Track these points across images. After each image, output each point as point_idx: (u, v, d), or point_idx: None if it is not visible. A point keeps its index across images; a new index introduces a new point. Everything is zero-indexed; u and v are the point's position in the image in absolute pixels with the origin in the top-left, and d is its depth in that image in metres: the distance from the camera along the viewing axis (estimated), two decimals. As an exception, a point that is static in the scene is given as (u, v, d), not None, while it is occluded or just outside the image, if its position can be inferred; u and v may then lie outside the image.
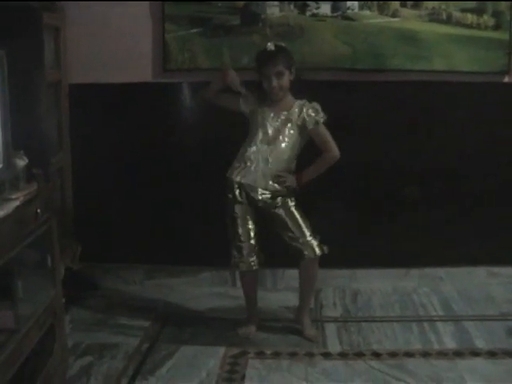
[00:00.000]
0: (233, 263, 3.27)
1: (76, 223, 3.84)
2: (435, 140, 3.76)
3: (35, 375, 2.45)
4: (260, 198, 3.18)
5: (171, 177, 3.82)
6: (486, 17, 3.60)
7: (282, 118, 3.13)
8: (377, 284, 3.87)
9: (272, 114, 3.14)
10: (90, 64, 3.66)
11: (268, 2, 3.60)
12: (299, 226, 3.17)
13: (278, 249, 3.20)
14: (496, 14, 3.60)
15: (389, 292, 3.82)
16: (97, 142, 3.79)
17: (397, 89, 3.69)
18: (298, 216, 3.18)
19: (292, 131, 3.13)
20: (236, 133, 3.26)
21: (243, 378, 2.90)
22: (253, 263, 3.24)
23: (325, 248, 3.19)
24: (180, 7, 3.62)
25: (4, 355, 2.13)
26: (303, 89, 3.14)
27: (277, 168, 3.15)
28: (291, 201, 3.19)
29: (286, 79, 3.09)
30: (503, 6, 3.59)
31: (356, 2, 3.59)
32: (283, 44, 3.16)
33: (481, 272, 3.89)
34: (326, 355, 3.10)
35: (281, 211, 3.18)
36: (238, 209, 3.21)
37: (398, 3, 3.60)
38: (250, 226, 3.22)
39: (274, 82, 3.06)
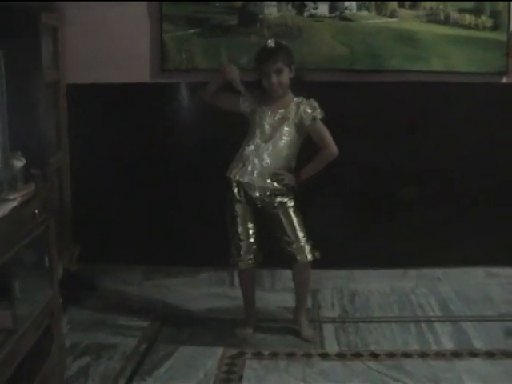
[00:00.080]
0: (232, 261, 3.27)
1: (74, 224, 3.83)
2: (433, 140, 3.77)
3: (33, 376, 2.44)
4: (258, 196, 3.18)
5: (169, 177, 3.82)
6: (483, 17, 3.61)
7: (280, 115, 3.13)
8: (375, 284, 3.88)
9: (269, 112, 3.15)
10: (88, 64, 3.66)
11: (266, 3, 3.61)
12: (294, 230, 3.16)
13: (276, 249, 3.20)
14: (494, 15, 3.60)
15: (387, 292, 3.83)
16: (95, 142, 3.79)
17: (395, 89, 3.69)
18: (294, 219, 3.17)
19: (289, 129, 3.13)
20: (234, 133, 3.26)
21: (241, 378, 2.89)
22: (251, 262, 3.25)
23: (317, 254, 3.19)
24: (178, 7, 3.62)
25: (1, 355, 2.13)
26: (301, 89, 3.15)
27: (275, 166, 3.15)
28: (290, 202, 3.18)
29: (286, 76, 3.09)
30: (501, 6, 3.60)
31: (354, 3, 3.60)
32: (283, 42, 3.16)
33: (479, 272, 3.90)
34: (324, 356, 3.10)
35: (279, 212, 3.17)
36: (237, 208, 3.21)
37: (395, 4, 3.61)
38: (249, 225, 3.22)
39: (274, 79, 3.06)
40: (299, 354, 3.11)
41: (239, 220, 3.21)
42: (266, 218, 3.23)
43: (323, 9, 3.62)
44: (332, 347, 3.18)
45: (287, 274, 3.37)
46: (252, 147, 3.16)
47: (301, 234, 3.16)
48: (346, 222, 3.81)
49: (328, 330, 3.37)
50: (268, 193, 3.17)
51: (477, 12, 3.61)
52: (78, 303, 3.65)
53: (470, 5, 3.61)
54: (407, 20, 3.62)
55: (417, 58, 3.65)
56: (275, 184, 3.16)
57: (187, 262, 3.90)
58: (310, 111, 3.11)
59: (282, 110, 3.14)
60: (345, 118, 3.56)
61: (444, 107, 3.73)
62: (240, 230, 3.22)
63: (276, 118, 3.14)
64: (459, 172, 3.78)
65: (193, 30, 3.64)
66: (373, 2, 3.60)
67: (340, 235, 3.77)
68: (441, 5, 3.60)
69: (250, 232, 3.22)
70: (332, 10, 3.62)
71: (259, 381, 2.88)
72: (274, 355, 3.11)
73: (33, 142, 2.60)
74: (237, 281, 3.50)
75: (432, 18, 3.62)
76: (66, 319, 3.39)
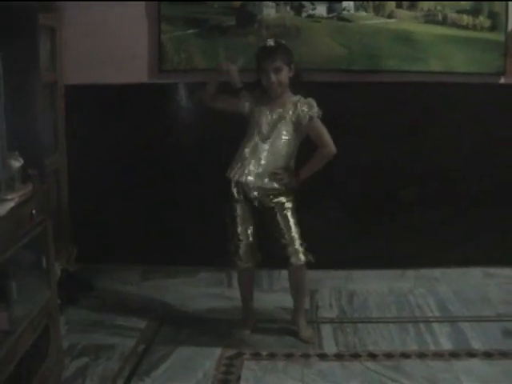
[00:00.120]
0: (231, 261, 3.27)
1: (72, 224, 3.84)
2: (431, 141, 3.77)
3: (30, 377, 2.44)
4: (256, 196, 3.17)
5: (167, 177, 3.82)
6: (481, 18, 3.61)
7: (277, 114, 3.13)
8: (373, 285, 3.87)
9: (267, 111, 3.15)
10: (86, 65, 3.66)
11: (264, 4, 3.60)
12: (290, 232, 3.15)
13: (274, 249, 3.20)
14: (492, 16, 3.61)
15: (385, 293, 3.83)
16: (93, 142, 3.79)
17: (393, 90, 3.69)
18: (291, 221, 3.16)
19: (287, 128, 3.13)
20: (232, 133, 3.26)
21: (239, 379, 2.89)
22: (250, 262, 3.25)
23: (310, 256, 3.18)
24: (176, 8, 3.62)
25: (-1, 357, 2.13)
26: (300, 88, 3.15)
27: (273, 166, 3.15)
28: (288, 203, 3.17)
29: (285, 75, 3.09)
30: (498, 7, 3.60)
31: (352, 4, 3.60)
32: (283, 41, 3.16)
33: (477, 273, 3.90)
34: (322, 356, 3.10)
35: (276, 213, 3.17)
36: (236, 208, 3.20)
37: (393, 4, 3.61)
38: (249, 225, 3.21)
39: (273, 78, 3.07)
40: (297, 355, 3.11)
41: (238, 220, 3.21)
42: (265, 218, 3.23)
43: (321, 9, 3.62)
44: (330, 348, 3.18)
45: (285, 274, 3.37)
46: (250, 147, 3.16)
47: (296, 237, 3.15)
48: (345, 222, 3.81)
49: (326, 330, 3.37)
50: (266, 193, 3.16)
51: (475, 13, 3.61)
52: (75, 304, 3.65)
53: (467, 5, 3.61)
54: (405, 21, 3.63)
55: (415, 58, 3.65)
56: (274, 184, 3.16)
57: (185, 262, 3.90)
58: (307, 110, 3.11)
59: (280, 109, 3.14)
60: (343, 119, 3.56)
61: (442, 108, 3.74)
62: (239, 230, 3.21)
63: (274, 117, 3.14)
64: (457, 172, 3.78)
65: (191, 31, 3.64)
66: (371, 3, 3.60)
67: (338, 236, 3.77)
68: (439, 5, 3.61)
69: (250, 232, 3.22)
70: (330, 10, 3.62)
71: (257, 381, 2.88)
72: (272, 356, 3.10)
73: (30, 143, 2.58)
74: (235, 281, 3.50)
75: (430, 19, 3.62)
76: (64, 320, 3.38)
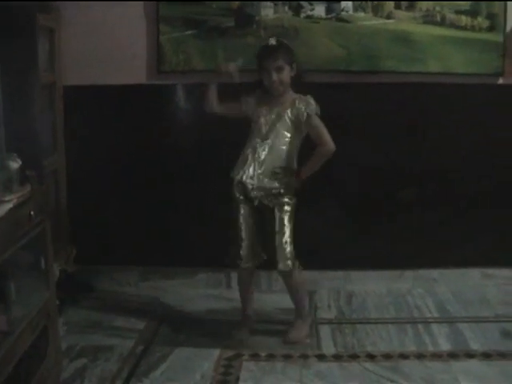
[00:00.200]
0: (231, 261, 3.26)
1: (71, 225, 3.83)
2: (430, 141, 3.77)
3: (29, 378, 2.44)
4: (256, 196, 3.17)
5: (166, 178, 3.82)
6: (480, 19, 3.61)
7: (276, 114, 3.13)
8: (371, 286, 3.87)
9: (267, 111, 3.15)
10: (85, 66, 3.66)
11: (262, 4, 3.60)
12: (282, 237, 3.14)
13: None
14: (490, 16, 3.61)
15: (383, 294, 3.82)
16: (91, 143, 3.79)
17: (391, 91, 3.69)
18: (286, 227, 3.15)
19: (286, 127, 3.13)
20: (231, 134, 3.27)
21: (237, 380, 2.89)
22: (250, 262, 3.24)
23: (298, 264, 3.18)
24: (174, 9, 3.62)
25: (-3, 358, 2.13)
26: (302, 88, 3.15)
27: (273, 165, 3.14)
28: (287, 206, 3.16)
29: (287, 74, 3.09)
30: (497, 8, 3.60)
31: (350, 4, 3.60)
32: (285, 40, 3.17)
33: (475, 273, 3.90)
34: (321, 357, 3.10)
35: (274, 215, 3.16)
36: (239, 207, 3.20)
37: (392, 5, 3.61)
38: (250, 225, 3.21)
39: (274, 77, 3.07)
40: (296, 356, 3.11)
41: (241, 220, 3.20)
42: (264, 219, 3.22)
43: (320, 10, 3.62)
44: (329, 348, 3.18)
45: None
46: (251, 147, 3.16)
47: (287, 242, 3.14)
48: (343, 223, 3.81)
49: (325, 331, 3.37)
50: (266, 193, 3.16)
51: (473, 13, 3.61)
52: (74, 304, 3.65)
53: (466, 6, 3.61)
54: (404, 21, 3.63)
55: (413, 59, 3.65)
56: (274, 184, 3.14)
57: (184, 263, 3.90)
58: (304, 107, 3.10)
59: (279, 109, 3.13)
60: (342, 119, 3.56)
61: (441, 108, 3.74)
62: (241, 229, 3.21)
63: (273, 116, 3.14)
64: (456, 173, 3.79)
65: (189, 32, 3.64)
66: (369, 4, 3.60)
67: (337, 236, 3.77)
68: (437, 6, 3.61)
69: (251, 232, 3.21)
70: (328, 11, 3.62)
71: (256, 382, 2.87)
72: (270, 357, 3.10)
73: (28, 144, 2.58)
74: (234, 282, 3.50)
75: (428, 20, 3.62)
76: (63, 321, 3.39)
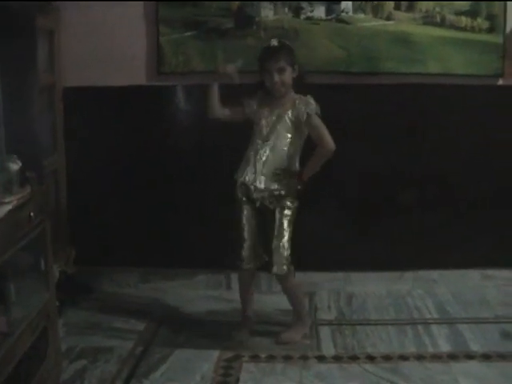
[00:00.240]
0: (233, 262, 3.25)
1: (70, 226, 3.83)
2: (430, 143, 3.77)
3: (28, 379, 2.44)
4: (257, 197, 3.16)
5: (166, 179, 3.82)
6: (479, 20, 3.61)
7: (276, 115, 3.13)
8: (371, 287, 3.87)
9: (268, 113, 3.15)
10: (84, 67, 3.67)
11: (262, 6, 3.60)
12: (280, 241, 3.13)
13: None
14: (490, 17, 3.61)
15: (383, 295, 3.82)
16: (91, 144, 3.79)
17: (391, 92, 3.69)
18: (285, 231, 3.14)
19: (287, 128, 3.12)
20: (231, 135, 3.27)
21: (237, 381, 2.89)
22: (251, 263, 3.23)
23: (292, 268, 3.17)
24: (174, 10, 3.62)
25: (-4, 359, 2.13)
26: (303, 91, 3.15)
27: (275, 166, 3.13)
28: (288, 210, 3.15)
29: (288, 75, 3.09)
30: (497, 9, 3.60)
31: (350, 6, 3.60)
32: (287, 41, 3.17)
33: (475, 275, 3.90)
34: (321, 358, 3.10)
35: (275, 217, 3.15)
36: (241, 209, 3.20)
37: (392, 6, 3.61)
38: (252, 226, 3.20)
39: (276, 78, 3.06)
40: (296, 357, 3.10)
41: (243, 221, 3.20)
42: (265, 220, 3.21)
43: (320, 11, 3.62)
44: (328, 350, 3.18)
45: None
46: (253, 148, 3.16)
47: (284, 247, 3.14)
48: (343, 224, 3.81)
49: (324, 332, 3.37)
50: (267, 194, 3.15)
51: (473, 14, 3.61)
52: (74, 306, 3.65)
53: (466, 7, 3.61)
54: (403, 22, 3.63)
55: (413, 60, 3.65)
56: (275, 185, 3.14)
57: (184, 264, 3.90)
58: (304, 107, 3.10)
59: (280, 109, 3.13)
60: (342, 121, 3.55)
61: (440, 109, 3.74)
62: (244, 231, 3.21)
63: (274, 117, 3.14)
64: (456, 175, 3.78)
65: (189, 33, 3.64)
66: (369, 5, 3.60)
67: (337, 238, 3.77)
68: (437, 7, 3.61)
69: (253, 233, 3.21)
70: (328, 12, 3.62)
71: (256, 384, 2.88)
72: (270, 358, 3.10)
73: (28, 145, 2.58)
74: (233, 283, 3.49)
75: (428, 21, 3.62)
76: (62, 322, 3.39)
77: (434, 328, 3.39)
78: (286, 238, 3.14)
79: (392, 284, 3.88)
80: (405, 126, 3.75)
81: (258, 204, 3.17)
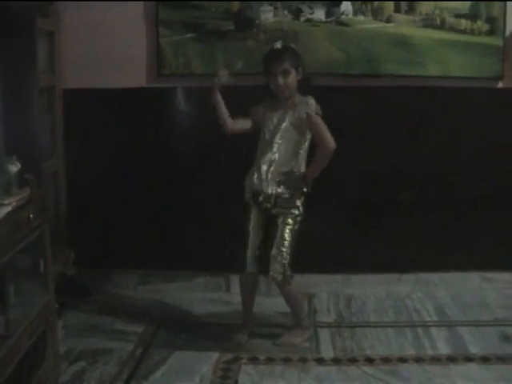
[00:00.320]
0: (236, 265, 3.25)
1: (70, 228, 3.83)
2: (430, 145, 3.77)
3: (27, 381, 2.44)
4: (262, 200, 3.16)
5: (166, 181, 3.82)
6: (479, 22, 3.61)
7: (281, 117, 3.12)
8: (371, 289, 3.87)
9: (272, 116, 3.15)
10: (84, 69, 3.67)
11: (262, 8, 3.60)
12: (280, 248, 3.12)
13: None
14: (490, 20, 3.61)
15: (382, 297, 3.82)
16: (91, 146, 3.79)
17: (391, 94, 3.69)
18: (286, 238, 3.14)
19: (290, 130, 3.12)
20: (231, 137, 3.26)
21: (236, 383, 2.89)
22: (254, 267, 3.23)
23: (289, 275, 3.16)
24: (174, 12, 3.62)
25: (-5, 361, 2.13)
26: (308, 92, 3.15)
27: (278, 170, 3.13)
28: (291, 218, 3.14)
29: (293, 78, 3.09)
30: (497, 11, 3.60)
31: (350, 8, 3.60)
32: (292, 44, 3.17)
33: (475, 277, 3.90)
34: (320, 361, 3.10)
35: (277, 223, 3.15)
36: (249, 213, 3.20)
37: (392, 9, 3.61)
38: (258, 230, 3.20)
39: (280, 80, 3.06)
40: (295, 359, 3.10)
41: (251, 224, 3.20)
42: (269, 224, 3.20)
43: (319, 14, 3.62)
44: (327, 352, 3.18)
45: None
46: (260, 152, 3.17)
47: (284, 254, 3.13)
48: (343, 226, 3.81)
49: (324, 334, 3.37)
50: (274, 197, 3.14)
51: (473, 17, 3.61)
52: (73, 308, 3.65)
53: (465, 10, 3.61)
54: (403, 25, 3.63)
55: (413, 62, 3.65)
56: (279, 188, 3.13)
57: (184, 266, 3.90)
58: (305, 108, 3.09)
59: (284, 112, 3.13)
60: (342, 123, 3.54)
61: (440, 112, 3.74)
62: (249, 235, 3.20)
63: (278, 120, 3.13)
64: (456, 177, 3.78)
65: (189, 35, 3.64)
66: (369, 7, 3.60)
67: (336, 239, 3.77)
68: (437, 10, 3.61)
69: (258, 238, 3.21)
70: (328, 14, 3.63)
71: (254, 386, 2.88)
72: (269, 360, 3.10)
73: (27, 147, 2.59)
74: (233, 286, 3.49)
75: (428, 23, 3.63)
76: (62, 324, 3.39)
77: (434, 330, 3.39)
78: (285, 246, 3.13)
79: (391, 286, 3.88)
80: (405, 128, 3.75)
81: (264, 207, 3.16)
